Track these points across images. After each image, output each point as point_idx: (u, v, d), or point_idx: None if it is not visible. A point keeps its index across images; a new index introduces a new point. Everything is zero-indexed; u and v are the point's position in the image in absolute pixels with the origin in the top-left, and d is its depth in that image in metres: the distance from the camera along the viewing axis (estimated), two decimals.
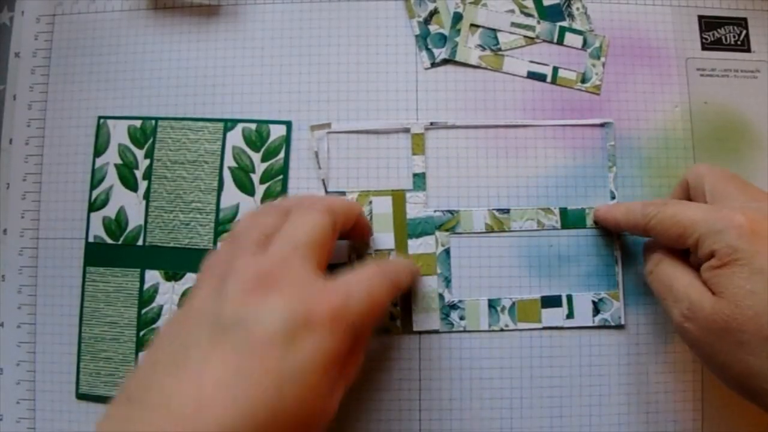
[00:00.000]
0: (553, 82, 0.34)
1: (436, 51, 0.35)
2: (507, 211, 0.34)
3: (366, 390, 0.33)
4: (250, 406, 0.21)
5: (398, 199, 0.34)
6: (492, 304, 0.33)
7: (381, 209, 0.34)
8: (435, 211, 0.34)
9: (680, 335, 0.28)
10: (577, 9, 0.35)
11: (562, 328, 0.33)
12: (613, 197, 0.33)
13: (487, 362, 0.33)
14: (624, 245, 0.33)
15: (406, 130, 0.34)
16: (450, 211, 0.34)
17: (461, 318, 0.33)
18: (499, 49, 0.34)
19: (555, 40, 0.35)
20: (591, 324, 0.33)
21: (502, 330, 0.33)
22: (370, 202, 0.34)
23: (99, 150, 0.35)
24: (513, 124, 0.34)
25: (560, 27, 0.34)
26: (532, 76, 0.34)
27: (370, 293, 0.25)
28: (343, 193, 0.34)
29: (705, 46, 0.35)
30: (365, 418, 0.32)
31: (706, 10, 0.36)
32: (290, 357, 0.22)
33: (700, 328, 0.26)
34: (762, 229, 0.26)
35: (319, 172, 0.34)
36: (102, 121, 0.35)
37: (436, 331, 0.33)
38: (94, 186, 0.35)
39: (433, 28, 0.35)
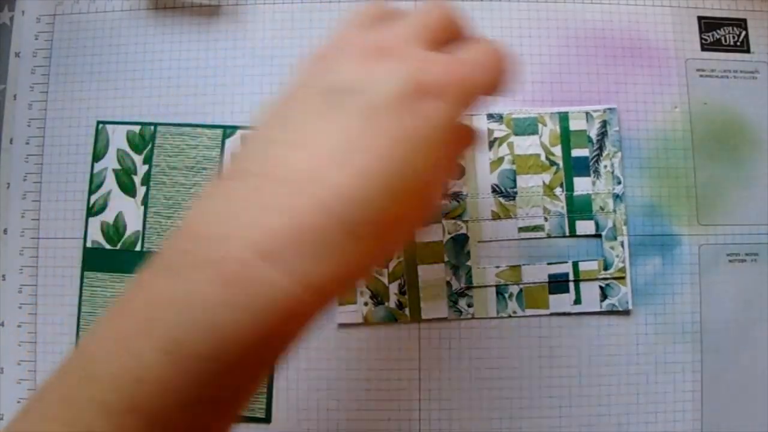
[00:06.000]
0: (576, 277, 0.33)
1: None
2: (513, 197, 0.34)
3: (366, 380, 0.33)
4: (363, 169, 0.19)
5: None
6: (500, 291, 0.33)
7: None
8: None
9: None
10: (605, 167, 0.34)
11: (569, 314, 0.33)
12: (620, 182, 0.33)
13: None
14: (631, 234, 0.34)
15: None
16: (456, 199, 0.34)
17: (469, 305, 0.33)
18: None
19: (567, 233, 0.33)
20: (598, 309, 0.33)
21: (510, 317, 0.33)
22: None
23: (98, 155, 0.35)
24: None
25: (570, 217, 0.33)
26: (554, 278, 0.33)
27: (492, 71, 0.22)
28: None
29: (704, 47, 0.35)
30: (365, 408, 0.33)
31: (705, 11, 0.36)
32: (407, 120, 0.20)
33: None
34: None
35: None
36: (101, 126, 0.35)
37: (444, 319, 0.33)
38: (92, 191, 0.35)
39: None
